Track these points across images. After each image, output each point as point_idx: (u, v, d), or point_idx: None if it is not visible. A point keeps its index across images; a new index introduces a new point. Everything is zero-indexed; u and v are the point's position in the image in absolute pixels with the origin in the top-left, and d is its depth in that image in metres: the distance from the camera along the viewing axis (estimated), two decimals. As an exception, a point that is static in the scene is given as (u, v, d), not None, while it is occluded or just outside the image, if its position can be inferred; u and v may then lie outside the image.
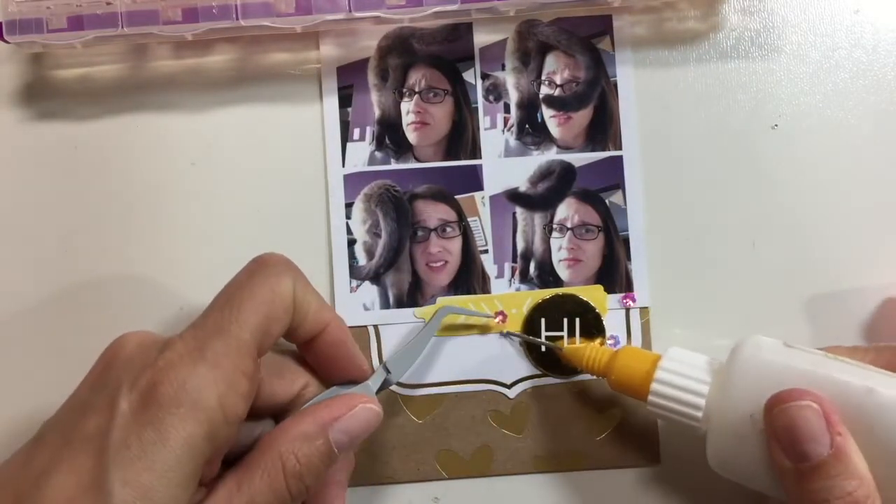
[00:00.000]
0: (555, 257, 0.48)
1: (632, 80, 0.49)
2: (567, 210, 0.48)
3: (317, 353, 0.41)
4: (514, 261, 0.48)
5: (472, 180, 0.48)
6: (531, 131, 0.49)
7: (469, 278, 0.48)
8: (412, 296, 0.48)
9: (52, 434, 0.35)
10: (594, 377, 0.45)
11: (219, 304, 0.37)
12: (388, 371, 0.43)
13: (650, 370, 0.41)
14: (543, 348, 0.47)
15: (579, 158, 0.49)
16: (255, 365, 0.36)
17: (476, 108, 0.49)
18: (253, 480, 0.36)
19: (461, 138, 0.49)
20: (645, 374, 0.41)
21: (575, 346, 0.45)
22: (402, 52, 0.49)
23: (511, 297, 0.48)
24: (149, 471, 0.32)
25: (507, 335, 0.48)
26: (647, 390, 0.40)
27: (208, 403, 0.33)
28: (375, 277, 0.48)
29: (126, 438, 0.32)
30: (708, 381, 0.40)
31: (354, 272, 0.48)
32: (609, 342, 0.47)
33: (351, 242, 0.48)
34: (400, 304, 0.48)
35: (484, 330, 0.48)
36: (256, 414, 0.39)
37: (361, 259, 0.48)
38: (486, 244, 0.48)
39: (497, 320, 0.48)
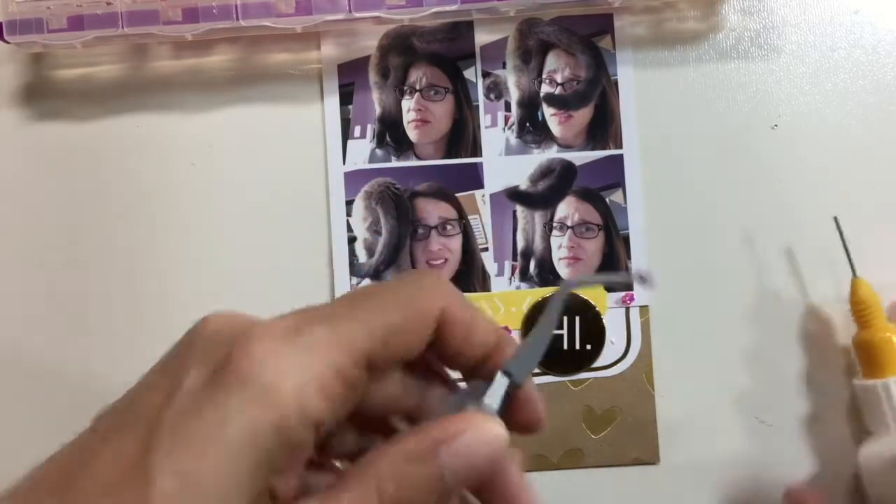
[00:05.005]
0: (555, 255, 0.48)
1: (632, 79, 0.49)
2: (567, 208, 0.48)
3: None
4: (515, 259, 0.48)
5: (473, 178, 0.49)
6: (532, 129, 0.49)
7: (469, 276, 0.48)
8: (412, 294, 0.48)
9: (108, 415, 0.30)
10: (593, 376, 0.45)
11: (347, 296, 0.32)
12: (509, 375, 0.31)
13: None
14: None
15: (580, 157, 0.49)
16: (356, 371, 0.29)
17: (477, 107, 0.49)
18: None
19: (462, 136, 0.49)
20: None
21: None
22: (402, 51, 0.49)
23: (511, 296, 0.48)
24: (199, 458, 0.26)
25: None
26: None
27: (282, 390, 0.27)
28: (376, 275, 0.48)
29: (179, 419, 0.27)
30: None
31: (355, 270, 0.48)
32: (610, 340, 0.48)
33: (351, 240, 0.48)
34: (400, 302, 0.48)
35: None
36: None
37: (362, 257, 0.48)
38: (487, 242, 0.48)
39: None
